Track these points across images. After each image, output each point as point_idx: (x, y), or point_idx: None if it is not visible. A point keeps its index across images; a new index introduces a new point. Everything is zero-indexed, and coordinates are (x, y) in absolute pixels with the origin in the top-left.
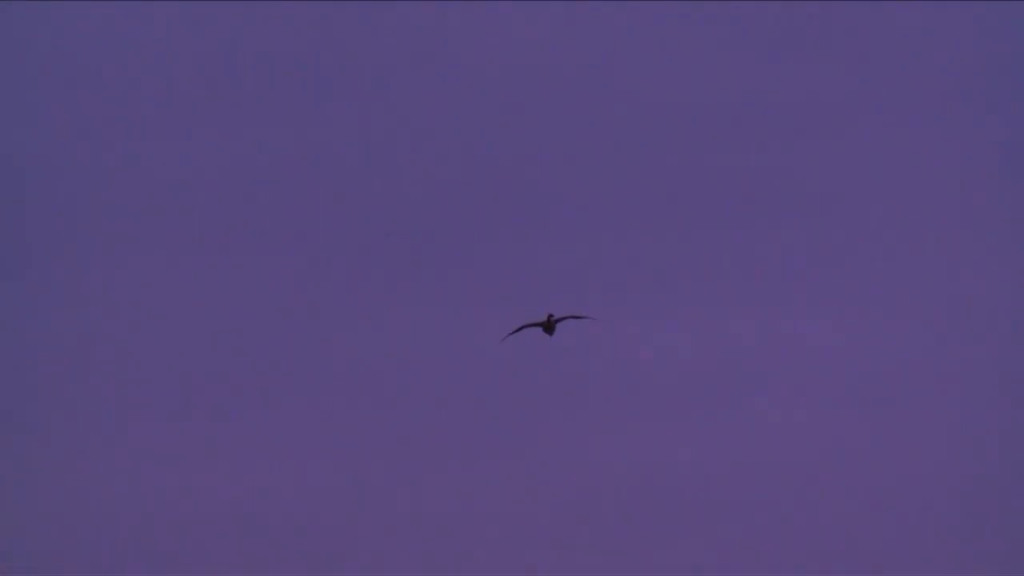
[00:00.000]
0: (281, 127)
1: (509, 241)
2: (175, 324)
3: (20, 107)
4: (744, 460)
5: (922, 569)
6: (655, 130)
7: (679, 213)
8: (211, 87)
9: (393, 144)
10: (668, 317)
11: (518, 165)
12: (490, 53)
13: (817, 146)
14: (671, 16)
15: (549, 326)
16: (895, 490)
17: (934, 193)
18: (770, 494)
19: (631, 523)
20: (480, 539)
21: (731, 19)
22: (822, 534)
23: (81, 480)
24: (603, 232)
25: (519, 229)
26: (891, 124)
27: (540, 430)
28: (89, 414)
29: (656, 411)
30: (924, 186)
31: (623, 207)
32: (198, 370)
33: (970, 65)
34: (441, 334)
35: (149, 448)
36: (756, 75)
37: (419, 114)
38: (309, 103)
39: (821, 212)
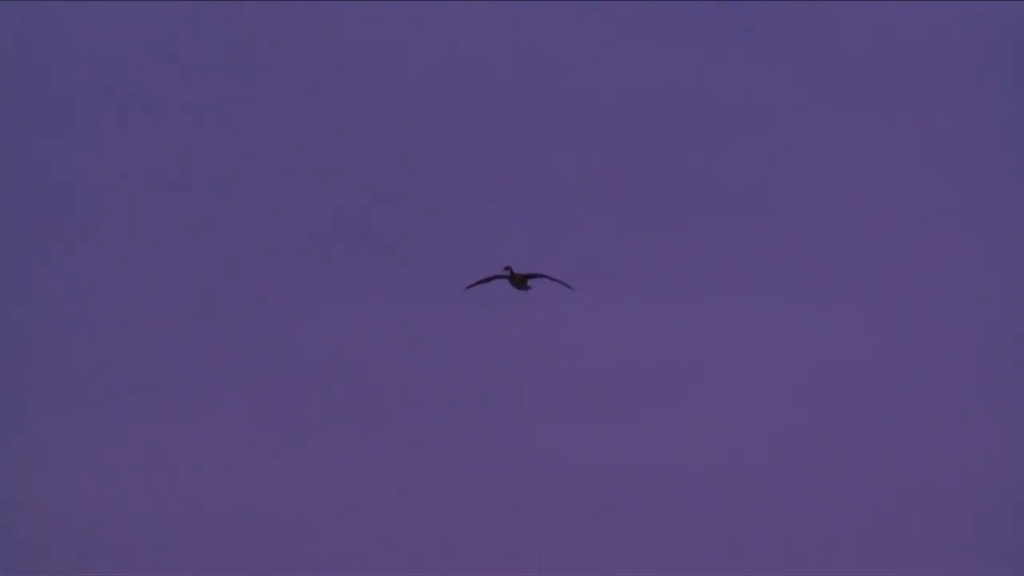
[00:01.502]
0: (268, 124)
1: (477, 234)
2: (162, 323)
3: (18, 106)
4: (716, 455)
5: (897, 565)
6: (624, 126)
7: (655, 208)
8: (192, 84)
9: (382, 137)
10: (640, 310)
11: (487, 158)
12: (477, 49)
13: (790, 143)
14: (657, 14)
15: (516, 280)
16: (871, 485)
17: (908, 188)
18: (744, 489)
19: (603, 518)
20: (452, 534)
21: (708, 16)
22: (797, 528)
23: (76, 480)
24: (572, 226)
25: (489, 221)
26: (864, 122)
27: (514, 424)
28: (79, 414)
29: (625, 405)
30: (899, 182)
31: (594, 201)
32: (186, 369)
33: (947, 61)
34: (429, 328)
35: (140, 447)
36: (736, 71)
37: (406, 107)
38: (287, 98)
39: (797, 207)
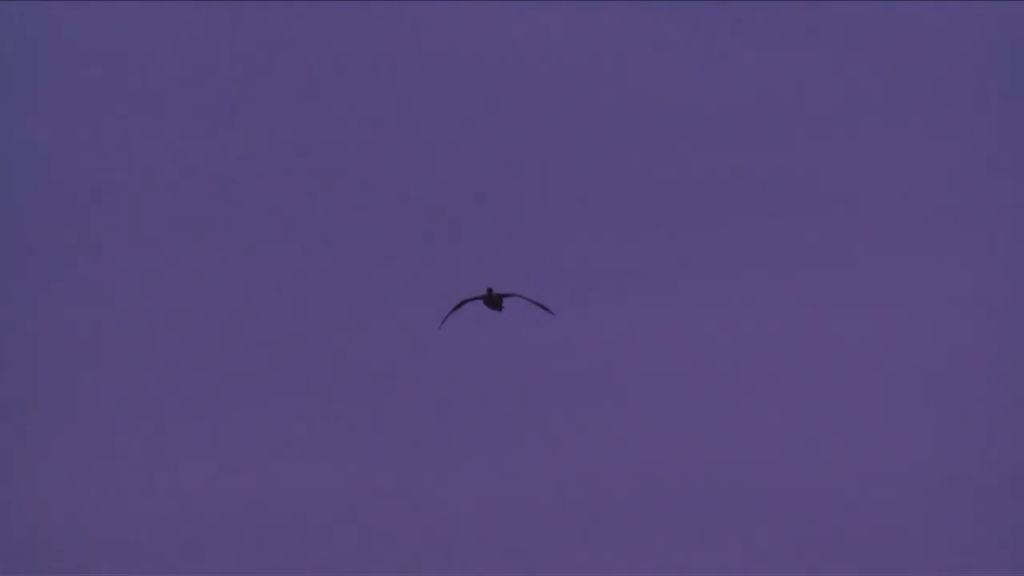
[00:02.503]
0: (275, 125)
1: (509, 237)
2: (173, 323)
3: (21, 106)
4: (753, 458)
5: (941, 567)
6: (655, 125)
7: (687, 207)
8: (207, 85)
9: (391, 142)
10: (677, 312)
11: (510, 162)
12: (484, 51)
13: (821, 140)
14: (665, 13)
15: (492, 300)
16: (911, 487)
17: (941, 187)
18: (783, 491)
19: (642, 520)
20: (488, 536)
21: (724, 15)
22: (837, 530)
23: (79, 480)
24: (608, 227)
25: (516, 225)
26: (893, 118)
27: (551, 426)
28: (87, 415)
29: (665, 407)
30: (932, 179)
31: (629, 203)
32: (195, 369)
33: (973, 59)
34: (468, 330)
35: (148, 448)
36: (756, 70)
37: (407, 107)
38: (300, 100)
39: (834, 204)
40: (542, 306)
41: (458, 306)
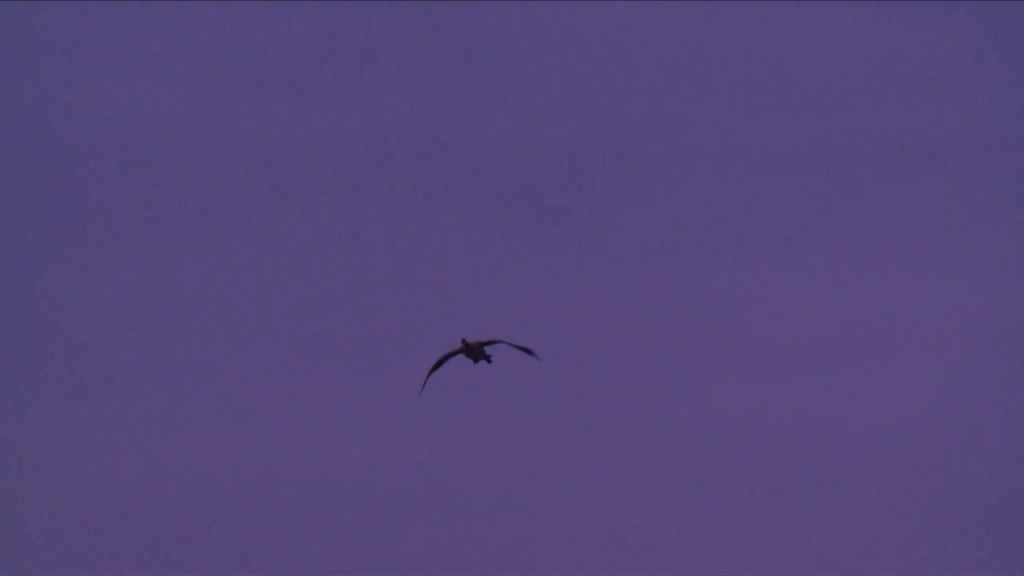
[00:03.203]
0: (274, 124)
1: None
2: (168, 319)
3: (24, 101)
4: (876, 422)
5: None
6: (791, 88)
7: (815, 171)
8: (221, 77)
9: (394, 141)
10: (804, 274)
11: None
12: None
13: (949, 107)
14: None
15: (472, 351)
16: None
17: None
18: (907, 456)
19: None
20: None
21: None
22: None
23: (82, 473)
24: (736, 189)
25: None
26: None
27: (675, 388)
28: (85, 404)
29: (792, 368)
30: None
31: (759, 164)
32: (190, 367)
33: None
34: (575, 297)
35: (146, 444)
36: (897, 32)
37: (406, 101)
38: (316, 92)
39: (962, 169)
40: (526, 350)
41: (437, 365)
